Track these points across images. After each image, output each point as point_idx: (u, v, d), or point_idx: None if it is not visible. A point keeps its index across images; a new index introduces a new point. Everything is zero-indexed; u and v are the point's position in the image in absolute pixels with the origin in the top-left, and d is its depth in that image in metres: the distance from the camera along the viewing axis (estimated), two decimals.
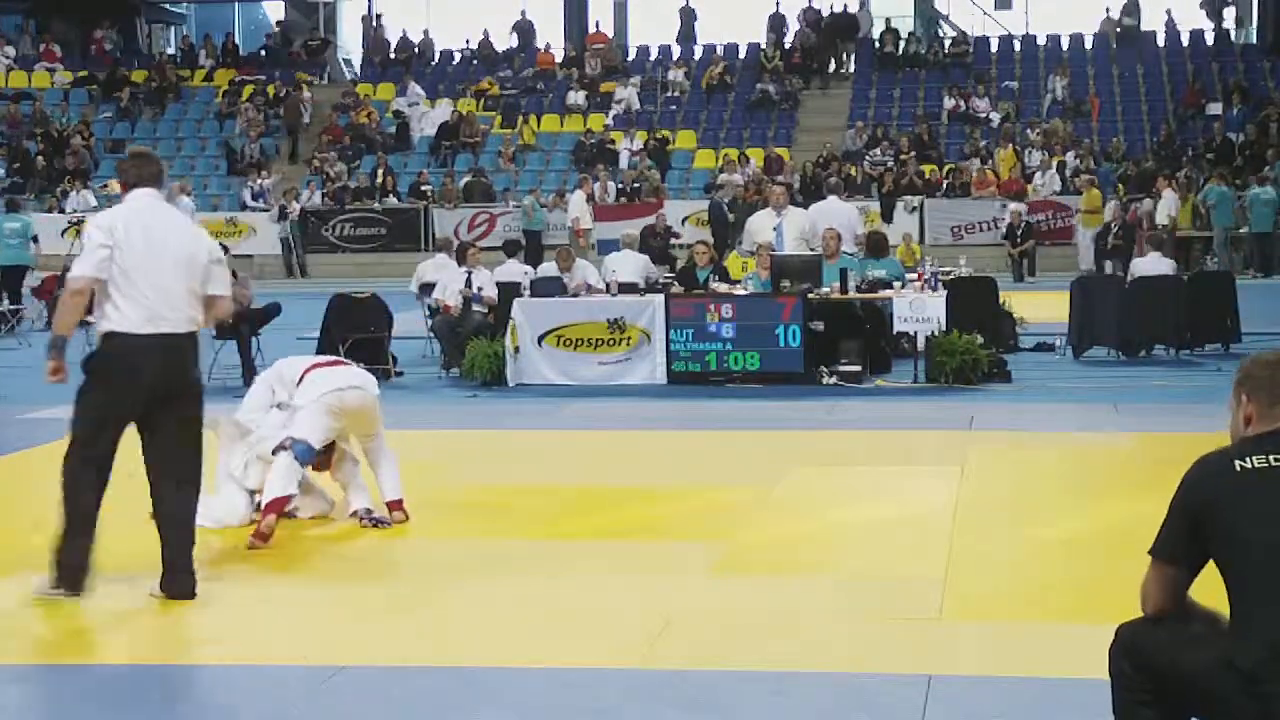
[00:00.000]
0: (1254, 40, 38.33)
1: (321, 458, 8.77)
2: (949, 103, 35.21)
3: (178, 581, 7.05)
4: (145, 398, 7.02)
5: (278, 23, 43.96)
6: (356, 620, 6.84)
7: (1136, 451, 11.01)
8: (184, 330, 7.08)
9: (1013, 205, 29.56)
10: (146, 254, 7.01)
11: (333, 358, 9.15)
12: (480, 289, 16.17)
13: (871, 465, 10.61)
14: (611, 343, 14.89)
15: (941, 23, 38.70)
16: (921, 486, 9.71)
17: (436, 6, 43.88)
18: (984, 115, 34.64)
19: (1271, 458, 4.13)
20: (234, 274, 15.63)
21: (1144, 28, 38.06)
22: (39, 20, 42.23)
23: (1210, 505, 4.12)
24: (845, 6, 38.20)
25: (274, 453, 8.50)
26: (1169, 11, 37.89)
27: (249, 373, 15.19)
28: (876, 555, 7.93)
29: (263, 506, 8.43)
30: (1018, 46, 38.44)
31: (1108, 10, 37.66)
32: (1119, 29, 37.13)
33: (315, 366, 8.87)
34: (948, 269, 16.70)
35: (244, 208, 32.90)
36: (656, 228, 27.76)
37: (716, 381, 14.47)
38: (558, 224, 30.43)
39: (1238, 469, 4.13)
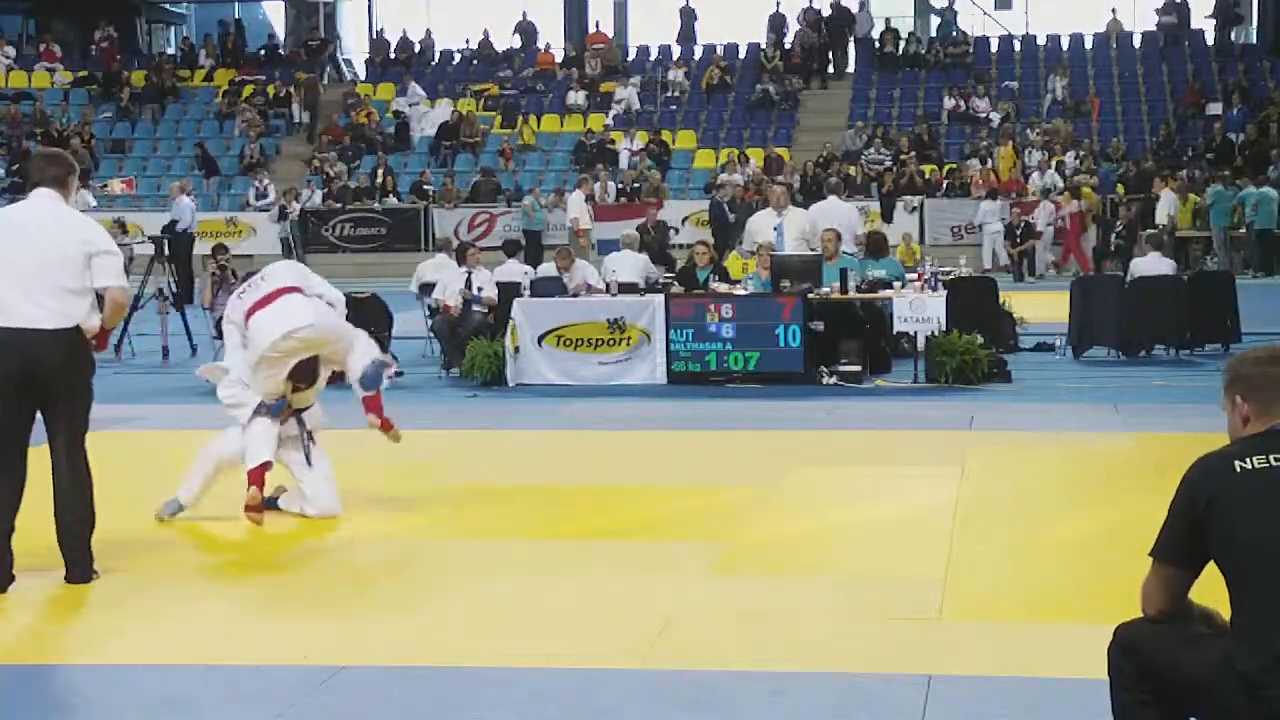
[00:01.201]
0: (1254, 40, 38.32)
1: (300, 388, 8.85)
2: (949, 103, 35.22)
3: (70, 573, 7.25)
4: (12, 390, 7.01)
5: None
6: (356, 620, 6.83)
7: (1136, 451, 11.00)
8: (49, 326, 7.02)
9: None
10: (6, 247, 7.07)
11: (275, 287, 8.79)
12: (480, 289, 16.17)
13: (871, 465, 10.60)
14: (611, 343, 14.89)
15: (950, 21, 38.68)
16: (921, 486, 9.70)
17: (437, 6, 43.94)
18: (984, 115, 34.65)
19: (1272, 458, 4.11)
20: (233, 273, 15.85)
21: (1143, 28, 38.12)
22: (39, 20, 42.22)
23: (1210, 506, 4.11)
24: (839, 2, 38.22)
25: (251, 418, 8.64)
26: (1156, 11, 37.92)
27: None
28: (876, 555, 7.92)
29: (247, 476, 8.54)
30: (1018, 46, 38.46)
31: (1113, 11, 37.67)
32: (1159, 25, 37.05)
33: (257, 306, 8.72)
34: (948, 269, 16.69)
35: (245, 207, 32.93)
36: (648, 224, 27.73)
37: (716, 381, 14.47)
38: (558, 224, 30.42)
39: (1237, 470, 4.12)
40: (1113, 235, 27.96)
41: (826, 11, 37.84)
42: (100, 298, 7.24)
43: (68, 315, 7.06)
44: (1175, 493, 4.21)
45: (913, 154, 32.33)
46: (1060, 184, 31.04)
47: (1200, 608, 4.30)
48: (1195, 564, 4.19)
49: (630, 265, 16.67)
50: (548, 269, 16.99)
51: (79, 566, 7.24)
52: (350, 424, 12.77)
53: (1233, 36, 37.52)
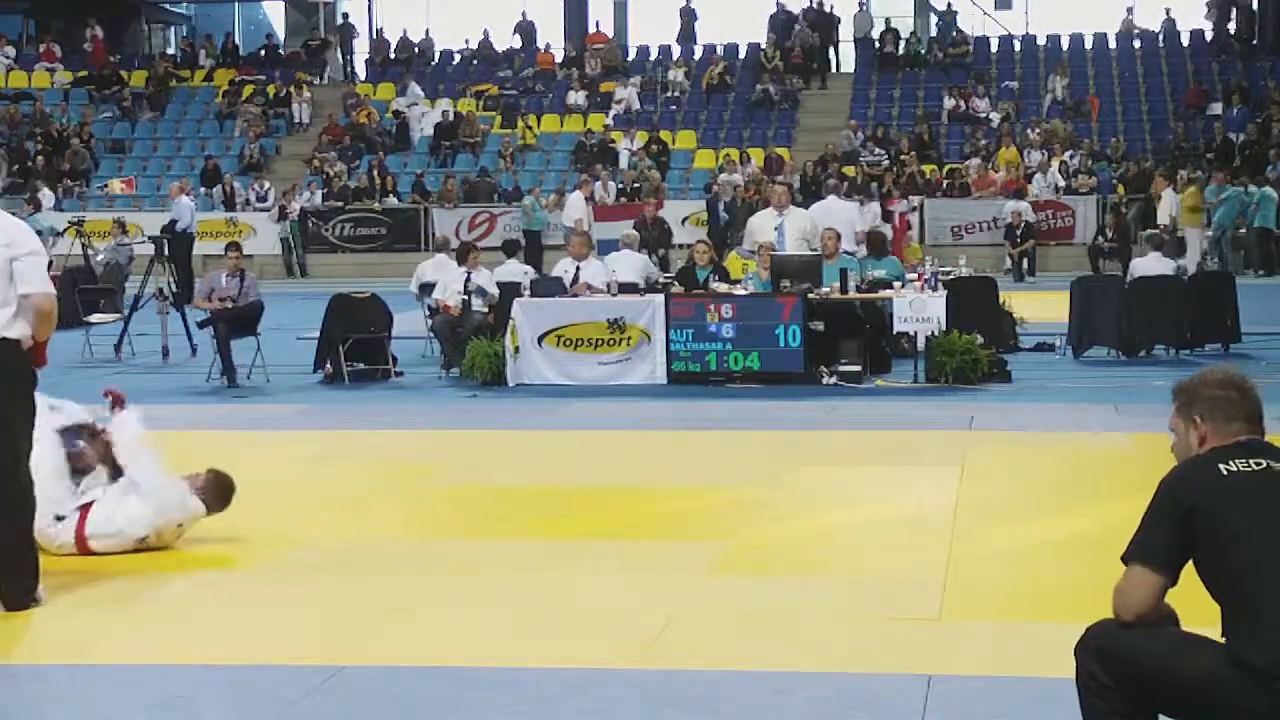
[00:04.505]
0: (1254, 40, 38.31)
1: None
2: (949, 103, 35.22)
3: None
4: None
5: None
6: (356, 620, 6.83)
7: (1136, 451, 10.99)
8: None
9: (1010, 204, 29.49)
10: None
11: None
12: (480, 289, 16.15)
13: (871, 465, 10.60)
14: (611, 343, 14.88)
15: (950, 21, 38.69)
16: (921, 486, 9.71)
17: (437, 6, 43.95)
18: (984, 115, 34.65)
19: (1252, 462, 4.18)
20: (240, 275, 15.83)
21: (1142, 27, 38.07)
22: (39, 20, 42.22)
23: (1198, 509, 4.14)
24: (832, 6, 38.27)
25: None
26: (1168, 10, 37.95)
27: (230, 373, 15.12)
28: (876, 555, 7.93)
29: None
30: (1018, 46, 38.48)
31: (1129, 11, 37.62)
32: (1208, 17, 37.14)
33: None
34: (948, 269, 16.69)
35: (245, 205, 32.95)
36: (646, 219, 27.72)
37: (716, 381, 14.47)
38: (558, 224, 30.41)
39: (1224, 472, 4.17)
40: (1105, 235, 27.99)
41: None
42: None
43: None
44: (1154, 497, 4.23)
45: (913, 154, 32.33)
46: (1061, 184, 31.06)
47: (1170, 610, 4.30)
48: (1176, 567, 4.20)
49: (630, 265, 16.66)
50: (563, 266, 16.75)
51: (10, 595, 6.84)
52: (348, 424, 12.80)
53: (1231, 33, 37.47)
